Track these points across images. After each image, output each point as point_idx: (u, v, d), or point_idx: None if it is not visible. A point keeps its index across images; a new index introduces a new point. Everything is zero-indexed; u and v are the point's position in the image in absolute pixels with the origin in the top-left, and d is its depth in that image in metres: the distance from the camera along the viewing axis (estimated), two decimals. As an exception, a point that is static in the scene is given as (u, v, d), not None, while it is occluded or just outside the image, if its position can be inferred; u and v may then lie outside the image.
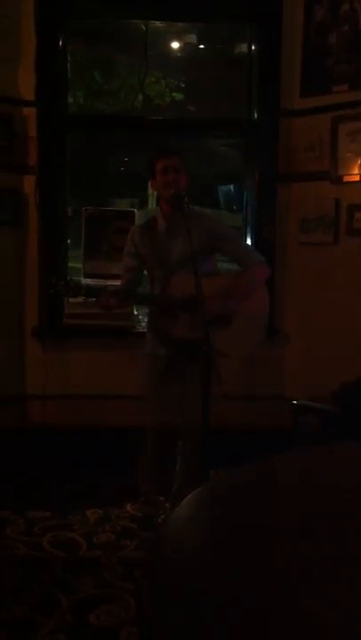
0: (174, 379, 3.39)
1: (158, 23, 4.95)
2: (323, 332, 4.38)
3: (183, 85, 5.91)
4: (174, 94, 5.96)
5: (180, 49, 5.46)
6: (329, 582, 1.21)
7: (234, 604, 1.14)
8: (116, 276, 3.61)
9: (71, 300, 4.55)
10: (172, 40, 5.40)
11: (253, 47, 4.61)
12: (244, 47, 4.88)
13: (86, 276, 4.60)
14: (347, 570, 1.26)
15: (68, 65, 4.63)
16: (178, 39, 5.41)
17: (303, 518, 1.50)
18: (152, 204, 4.93)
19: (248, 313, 3.31)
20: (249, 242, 4.58)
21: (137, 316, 4.50)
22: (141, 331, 3.99)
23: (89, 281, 4.45)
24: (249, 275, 3.34)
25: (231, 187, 6.45)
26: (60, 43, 4.43)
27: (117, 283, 3.54)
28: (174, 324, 3.23)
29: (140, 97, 5.14)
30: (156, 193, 3.49)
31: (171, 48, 5.47)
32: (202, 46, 5.55)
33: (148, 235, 3.34)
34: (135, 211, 4.85)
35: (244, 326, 3.30)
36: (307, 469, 1.87)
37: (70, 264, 4.79)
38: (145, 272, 3.49)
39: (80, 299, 4.45)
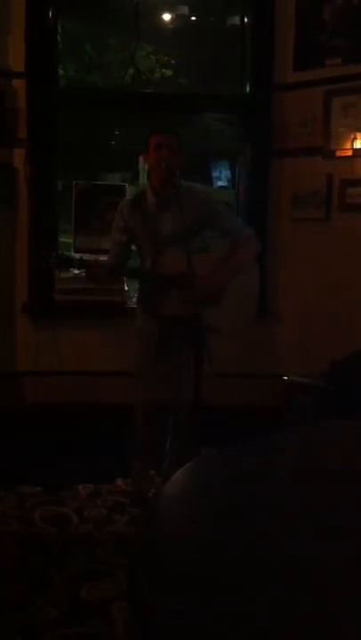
0: (166, 355, 3.39)
1: (150, -6, 4.87)
2: (315, 309, 4.37)
3: (175, 58, 5.84)
4: (164, 70, 5.89)
5: (172, 21, 5.39)
6: (329, 566, 1.20)
7: (225, 581, 1.14)
8: (107, 251, 3.58)
9: (62, 275, 4.52)
10: (163, 12, 5.32)
11: (246, 19, 4.55)
12: (236, 19, 4.82)
13: (77, 250, 4.56)
14: (348, 549, 1.24)
15: (59, 37, 4.55)
16: (169, 11, 5.34)
17: (288, 490, 1.51)
18: (143, 178, 4.88)
19: (238, 287, 3.31)
20: (241, 218, 4.54)
21: (128, 291, 4.47)
22: (133, 306, 3.98)
23: (79, 256, 4.42)
24: (241, 252, 3.34)
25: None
26: (51, 13, 4.34)
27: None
28: (165, 300, 3.22)
29: (131, 71, 5.06)
30: (147, 167, 3.47)
31: (162, 20, 5.39)
32: (193, 18, 5.48)
33: (137, 209, 3.31)
34: (126, 185, 4.80)
35: (235, 301, 3.30)
36: (296, 445, 1.87)
37: (61, 238, 4.75)
38: (133, 247, 3.47)
39: (70, 274, 4.42)
